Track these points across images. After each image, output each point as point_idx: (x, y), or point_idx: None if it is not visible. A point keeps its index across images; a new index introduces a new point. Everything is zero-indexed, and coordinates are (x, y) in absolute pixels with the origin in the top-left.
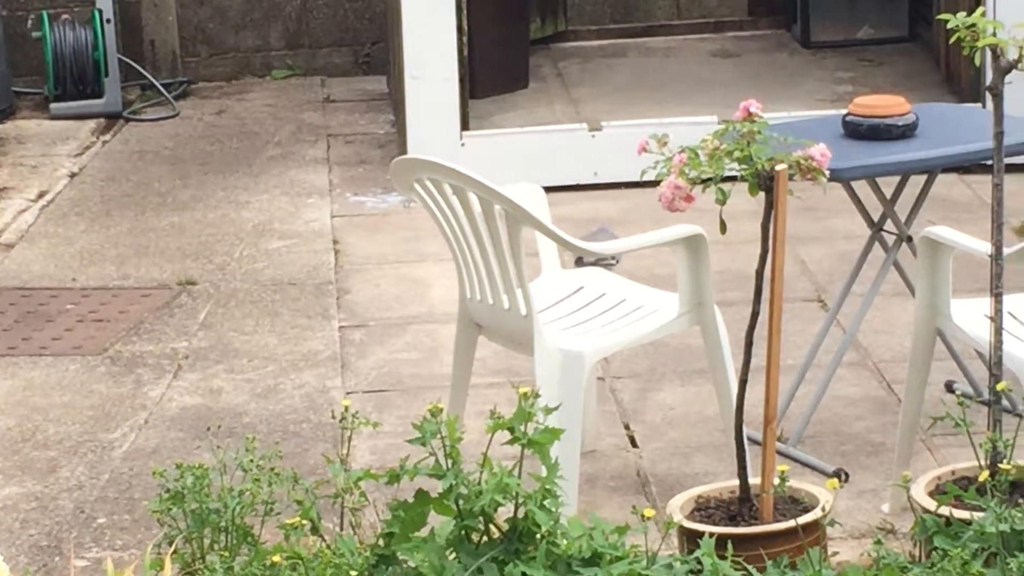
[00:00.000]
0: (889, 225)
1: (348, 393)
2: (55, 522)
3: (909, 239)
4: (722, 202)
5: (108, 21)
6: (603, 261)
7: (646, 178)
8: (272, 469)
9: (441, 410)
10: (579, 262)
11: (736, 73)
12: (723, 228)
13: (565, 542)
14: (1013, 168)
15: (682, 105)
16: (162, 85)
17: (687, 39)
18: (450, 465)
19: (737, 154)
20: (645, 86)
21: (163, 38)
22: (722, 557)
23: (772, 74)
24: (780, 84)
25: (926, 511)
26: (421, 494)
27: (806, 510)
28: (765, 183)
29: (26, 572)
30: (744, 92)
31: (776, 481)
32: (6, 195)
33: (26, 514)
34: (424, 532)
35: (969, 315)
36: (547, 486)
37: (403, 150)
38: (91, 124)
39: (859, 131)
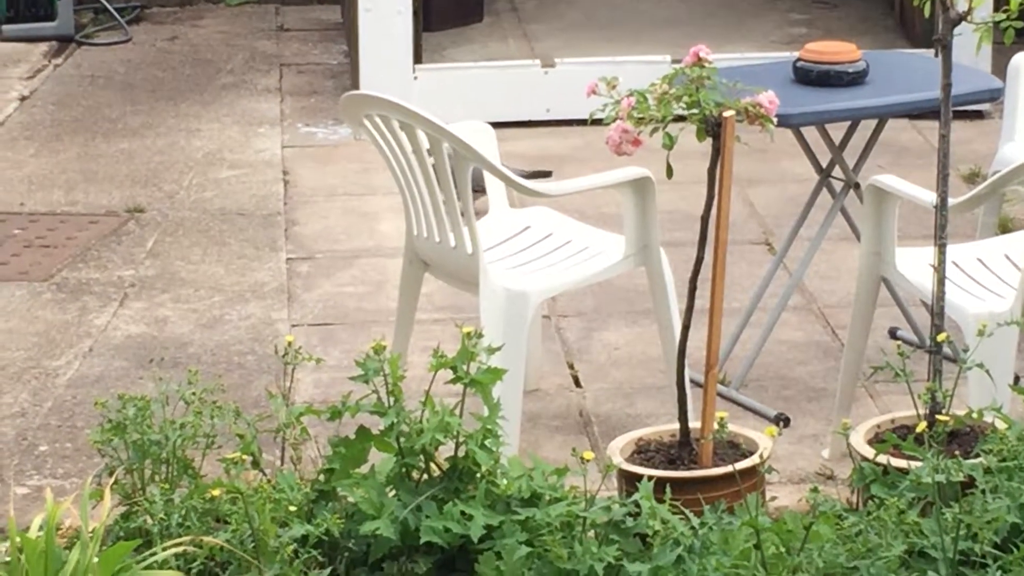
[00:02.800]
0: (837, 171)
1: (293, 326)
2: None
3: (857, 185)
4: (669, 147)
5: None
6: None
7: (596, 118)
8: (214, 402)
9: (384, 348)
10: None
11: (691, 12)
12: (669, 172)
13: (505, 482)
14: (963, 115)
15: (636, 44)
16: (115, 9)
17: None
18: (392, 403)
19: (686, 99)
20: (600, 23)
21: None
22: (660, 500)
23: (726, 14)
24: (734, 25)
25: (864, 459)
26: (362, 431)
27: (745, 455)
28: (713, 129)
29: None
30: (698, 32)
31: (716, 426)
32: None
33: None
34: (364, 469)
35: (913, 264)
36: (488, 426)
37: (355, 82)
38: (43, 47)
39: (809, 77)
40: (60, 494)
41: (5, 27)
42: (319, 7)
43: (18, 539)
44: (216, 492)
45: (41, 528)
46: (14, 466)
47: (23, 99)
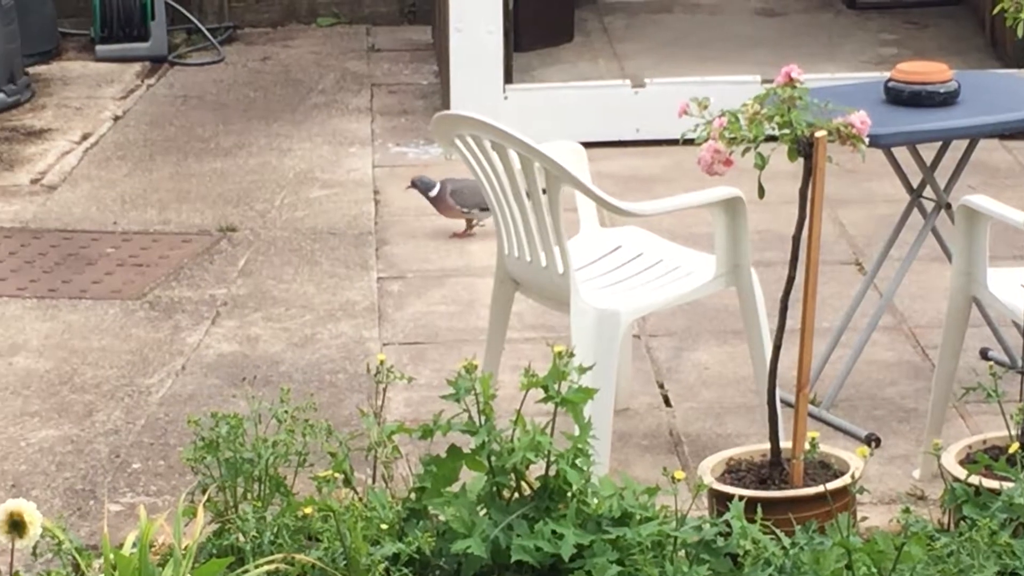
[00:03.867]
0: (928, 191)
1: (384, 345)
2: (90, 466)
3: (948, 206)
4: (761, 167)
5: None
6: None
7: (687, 138)
8: (306, 420)
9: (476, 366)
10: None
11: (780, 32)
12: (761, 192)
13: (596, 501)
14: None
15: (726, 63)
16: (208, 30)
17: None
18: (483, 421)
19: (777, 119)
20: (689, 43)
21: None
22: (751, 520)
23: (816, 34)
24: (824, 45)
25: (956, 479)
26: (454, 449)
27: (836, 475)
28: (804, 149)
29: (60, 516)
30: (788, 52)
31: (807, 446)
32: (50, 136)
33: (62, 457)
34: (456, 487)
35: (1005, 284)
36: (579, 445)
37: (446, 102)
38: (136, 67)
39: (900, 97)
40: (153, 511)
41: (99, 47)
42: (410, 27)
43: (112, 556)
44: (308, 510)
45: (135, 545)
46: (107, 483)
47: (117, 119)
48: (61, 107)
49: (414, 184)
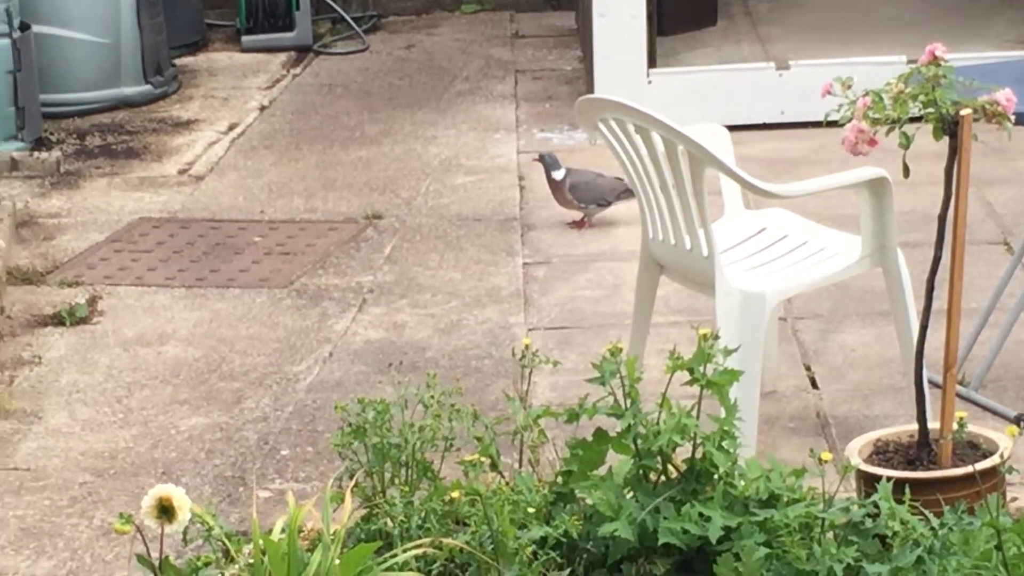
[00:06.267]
0: None
1: (530, 330)
2: (239, 453)
3: None
4: (905, 146)
5: None
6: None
7: (831, 119)
8: (452, 405)
9: (621, 350)
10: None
11: (925, 12)
12: (906, 172)
13: (742, 483)
14: None
15: (870, 44)
16: (352, 19)
17: None
18: (629, 405)
19: (922, 98)
20: (833, 25)
21: None
22: (899, 501)
23: (962, 14)
24: (969, 24)
25: None
26: (600, 433)
27: (985, 456)
28: (949, 128)
29: (210, 502)
30: (932, 32)
31: (955, 427)
32: (197, 127)
33: (211, 444)
34: (602, 471)
35: None
36: (725, 427)
37: (590, 87)
38: (282, 57)
39: None
40: (301, 497)
41: (245, 38)
42: (553, 13)
43: (261, 541)
44: (455, 494)
45: (283, 531)
46: (256, 470)
47: (263, 109)
48: (208, 98)
49: (541, 158)
